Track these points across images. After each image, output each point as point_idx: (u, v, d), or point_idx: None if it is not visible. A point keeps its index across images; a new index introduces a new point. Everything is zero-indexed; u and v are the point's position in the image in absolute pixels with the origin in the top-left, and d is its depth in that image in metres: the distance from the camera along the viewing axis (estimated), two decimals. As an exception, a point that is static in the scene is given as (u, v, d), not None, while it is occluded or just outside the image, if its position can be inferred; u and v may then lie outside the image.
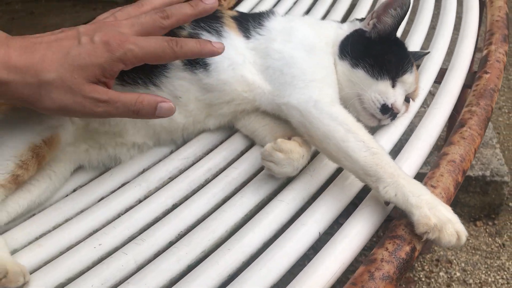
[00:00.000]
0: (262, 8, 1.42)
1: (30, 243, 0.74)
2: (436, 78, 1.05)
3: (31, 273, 0.68)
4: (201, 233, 0.72)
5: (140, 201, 0.80)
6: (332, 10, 1.37)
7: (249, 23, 0.92)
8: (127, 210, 0.79)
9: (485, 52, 1.08)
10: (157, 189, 0.82)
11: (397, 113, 0.86)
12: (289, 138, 0.80)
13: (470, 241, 1.76)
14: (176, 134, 0.91)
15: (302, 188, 0.78)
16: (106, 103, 0.69)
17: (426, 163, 0.86)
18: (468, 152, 0.80)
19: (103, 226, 0.76)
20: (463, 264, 1.69)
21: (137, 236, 0.73)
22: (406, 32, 1.24)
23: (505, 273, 1.66)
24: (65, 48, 0.67)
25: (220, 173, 0.84)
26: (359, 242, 0.68)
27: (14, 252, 0.71)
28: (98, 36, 0.68)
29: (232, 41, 0.88)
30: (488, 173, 1.76)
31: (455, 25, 1.23)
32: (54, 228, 0.76)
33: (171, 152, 0.91)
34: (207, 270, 0.66)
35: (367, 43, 0.89)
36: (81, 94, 0.68)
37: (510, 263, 1.68)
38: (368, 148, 0.71)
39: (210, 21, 0.90)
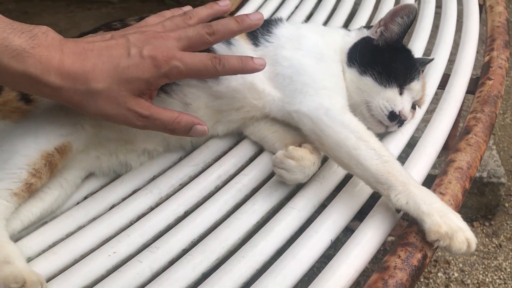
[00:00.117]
0: (263, 13, 1.43)
1: (44, 251, 0.74)
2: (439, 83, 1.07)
3: (47, 282, 0.68)
4: (215, 240, 0.73)
5: (152, 208, 0.81)
6: (333, 16, 1.38)
7: (257, 30, 0.92)
8: (139, 217, 0.79)
9: (487, 58, 1.10)
10: (168, 196, 0.83)
11: (405, 120, 0.87)
12: (299, 145, 0.81)
13: (468, 241, 1.78)
14: (185, 140, 0.92)
15: (312, 195, 0.79)
16: (147, 118, 0.73)
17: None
18: (474, 159, 0.82)
19: (117, 233, 0.76)
20: (460, 265, 1.71)
21: (151, 243, 0.74)
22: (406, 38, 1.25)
23: (502, 273, 1.68)
24: (115, 58, 0.71)
25: (230, 180, 0.85)
26: (371, 249, 0.69)
27: (28, 260, 0.72)
28: (147, 50, 0.71)
29: (241, 48, 0.89)
30: (485, 174, 1.79)
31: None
32: (67, 236, 0.77)
33: (180, 159, 0.91)
34: (222, 278, 0.66)
35: (375, 50, 0.90)
36: (126, 107, 0.72)
37: (507, 264, 1.71)
38: (379, 156, 0.73)
39: None
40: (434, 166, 0.88)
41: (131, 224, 0.78)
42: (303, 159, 0.78)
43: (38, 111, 0.81)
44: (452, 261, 1.72)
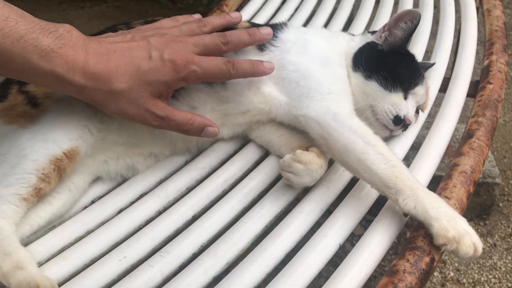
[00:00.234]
0: (262, 16, 1.44)
1: (53, 256, 0.75)
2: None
3: (58, 287, 0.68)
4: (224, 245, 0.73)
5: (160, 213, 0.81)
6: (332, 19, 1.39)
7: None
8: (147, 221, 0.80)
9: (486, 62, 1.11)
10: (176, 200, 0.83)
11: (409, 124, 0.88)
12: (306, 149, 0.82)
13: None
14: (191, 143, 0.92)
15: (319, 199, 0.80)
16: (162, 119, 0.78)
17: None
18: (477, 163, 0.83)
19: (126, 238, 0.77)
20: (456, 264, 1.73)
21: (161, 248, 0.74)
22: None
23: (497, 272, 1.71)
24: (137, 60, 0.74)
25: (237, 184, 0.85)
26: (380, 253, 0.70)
27: (39, 265, 0.72)
28: (167, 54, 0.75)
29: (247, 52, 0.90)
30: (480, 175, 1.81)
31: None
32: (76, 240, 0.77)
33: (186, 162, 0.92)
34: (234, 282, 0.67)
35: (380, 55, 0.91)
36: (144, 107, 0.76)
37: (501, 263, 1.73)
38: (387, 160, 0.74)
39: None
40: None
41: (140, 228, 0.79)
42: (310, 163, 0.79)
43: (45, 115, 0.81)
44: (448, 261, 1.75)
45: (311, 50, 0.90)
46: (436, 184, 0.84)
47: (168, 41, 0.77)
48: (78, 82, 0.71)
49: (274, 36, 0.92)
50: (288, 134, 0.90)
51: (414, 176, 0.75)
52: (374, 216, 0.77)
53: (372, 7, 1.47)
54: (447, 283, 1.68)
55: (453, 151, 0.93)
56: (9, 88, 0.85)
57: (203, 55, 0.79)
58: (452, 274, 1.71)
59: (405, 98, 0.88)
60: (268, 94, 0.87)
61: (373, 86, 0.87)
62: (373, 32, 0.97)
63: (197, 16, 0.91)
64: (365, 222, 0.79)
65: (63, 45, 0.69)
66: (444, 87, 1.08)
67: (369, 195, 0.80)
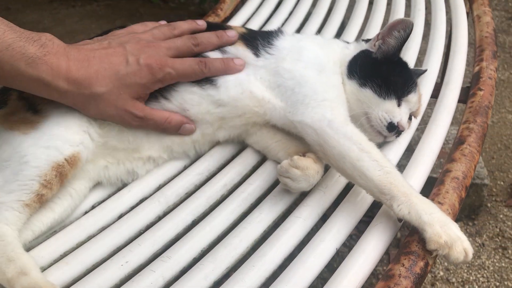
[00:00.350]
0: (256, 20, 1.45)
1: (56, 261, 0.76)
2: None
3: (62, 292, 0.70)
4: (224, 250, 0.75)
5: (160, 218, 0.83)
6: (326, 24, 1.41)
7: (258, 41, 0.95)
8: (148, 226, 0.81)
9: (476, 68, 1.14)
10: (176, 205, 0.85)
11: (403, 131, 0.90)
12: (303, 154, 0.84)
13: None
14: (186, 146, 0.94)
15: (316, 204, 0.82)
16: (141, 119, 0.84)
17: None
18: (469, 169, 0.86)
19: (127, 243, 0.78)
20: (446, 264, 1.77)
21: (162, 253, 0.76)
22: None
23: (485, 271, 1.74)
24: (115, 65, 0.81)
25: (235, 189, 0.87)
26: (375, 258, 0.73)
27: (41, 270, 0.73)
28: (143, 59, 0.82)
29: (238, 56, 0.92)
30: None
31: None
32: (78, 245, 0.78)
33: (185, 167, 0.93)
34: (234, 287, 0.69)
35: (374, 63, 0.93)
36: (124, 108, 0.83)
37: (489, 262, 1.77)
38: (381, 167, 0.76)
39: None
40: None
41: (140, 233, 0.80)
42: (307, 169, 0.81)
43: (46, 121, 0.82)
44: (438, 260, 1.78)
45: (306, 57, 0.92)
46: (428, 185, 0.87)
47: (143, 47, 0.84)
48: (62, 87, 0.77)
49: (270, 43, 0.94)
50: (285, 139, 0.92)
51: (408, 181, 0.77)
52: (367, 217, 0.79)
53: (365, 12, 1.49)
54: (437, 283, 1.71)
55: (445, 153, 0.95)
56: (9, 94, 0.86)
57: (176, 57, 0.86)
58: (441, 273, 1.74)
59: (399, 105, 0.91)
60: (262, 97, 0.89)
61: (368, 94, 0.90)
62: (367, 40, 0.99)
63: (163, 22, 0.97)
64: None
65: (47, 53, 0.75)
66: (435, 92, 1.11)
67: (364, 200, 0.82)
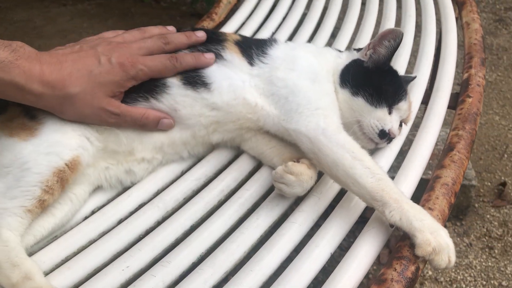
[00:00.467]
0: (250, 25, 1.48)
1: (57, 266, 0.78)
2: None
3: (64, 296, 0.72)
4: (222, 254, 0.77)
5: (159, 223, 0.85)
6: (318, 31, 1.43)
7: (252, 50, 0.97)
8: (147, 231, 0.83)
9: (465, 75, 1.17)
10: (174, 210, 0.87)
11: (394, 138, 0.93)
12: (297, 160, 0.87)
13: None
14: (177, 148, 0.95)
15: (311, 210, 0.84)
16: (118, 115, 0.86)
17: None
18: (458, 175, 0.89)
19: (127, 248, 0.80)
20: (434, 263, 1.81)
21: (162, 257, 0.78)
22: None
23: (473, 271, 1.78)
24: (88, 66, 0.83)
25: (232, 194, 0.89)
26: (368, 262, 0.75)
27: (44, 275, 0.74)
28: (115, 58, 0.84)
29: (237, 67, 0.94)
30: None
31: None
32: (79, 250, 0.80)
33: (182, 173, 0.95)
34: (233, 291, 0.71)
35: (365, 73, 0.96)
36: (99, 107, 0.84)
37: (476, 262, 1.81)
38: (374, 174, 0.78)
39: (213, 44, 0.96)
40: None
41: (140, 238, 0.82)
42: (302, 174, 0.83)
43: (44, 127, 0.84)
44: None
45: (300, 66, 0.95)
46: (418, 186, 0.90)
47: (114, 47, 0.86)
48: (37, 90, 0.78)
49: (264, 52, 0.97)
50: (280, 145, 0.94)
51: (399, 187, 0.80)
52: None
53: (357, 17, 1.52)
54: (426, 282, 1.75)
55: (434, 154, 0.98)
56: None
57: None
58: (430, 273, 1.78)
59: (390, 113, 0.94)
60: (255, 105, 0.91)
61: (360, 102, 0.92)
62: (359, 50, 1.02)
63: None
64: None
65: (19, 57, 0.77)
66: (425, 98, 1.14)
67: (357, 206, 0.85)
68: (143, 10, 3.49)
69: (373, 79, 0.94)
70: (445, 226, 1.86)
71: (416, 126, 1.06)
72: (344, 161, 0.80)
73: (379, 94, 0.92)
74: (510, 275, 1.76)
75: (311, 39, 1.41)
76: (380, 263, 1.58)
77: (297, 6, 1.59)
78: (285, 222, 0.82)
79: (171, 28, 0.99)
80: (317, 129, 0.84)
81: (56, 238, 0.83)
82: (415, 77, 1.13)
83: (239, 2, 1.64)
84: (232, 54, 0.95)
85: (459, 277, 1.77)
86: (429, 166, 1.47)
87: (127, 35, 0.93)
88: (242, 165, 0.96)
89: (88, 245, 0.81)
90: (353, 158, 0.80)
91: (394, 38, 0.95)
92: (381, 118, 0.92)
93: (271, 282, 0.73)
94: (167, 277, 0.74)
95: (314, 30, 1.45)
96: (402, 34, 0.95)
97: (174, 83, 0.90)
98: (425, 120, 1.04)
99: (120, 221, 0.86)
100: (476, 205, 2.02)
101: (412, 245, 0.74)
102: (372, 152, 0.96)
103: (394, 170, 0.94)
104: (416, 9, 1.50)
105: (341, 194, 0.89)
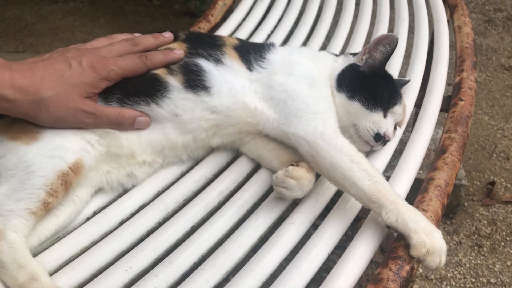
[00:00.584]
0: (246, 27, 1.49)
1: (61, 266, 0.79)
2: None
3: (69, 296, 0.74)
4: (223, 255, 0.79)
5: (160, 224, 0.87)
6: (313, 34, 1.46)
7: (250, 55, 0.98)
8: (149, 232, 0.85)
9: (457, 78, 1.20)
10: (175, 211, 0.89)
11: (388, 140, 0.96)
12: (296, 164, 0.89)
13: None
14: (178, 151, 0.97)
15: (309, 211, 0.87)
16: (94, 115, 0.87)
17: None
18: (451, 177, 0.91)
19: (130, 249, 0.82)
20: (425, 261, 1.84)
21: (164, 258, 0.80)
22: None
23: (462, 268, 1.82)
24: (59, 70, 0.84)
25: (232, 196, 0.92)
26: (364, 262, 0.78)
27: (48, 275, 0.76)
28: (85, 61, 0.86)
29: (235, 72, 0.96)
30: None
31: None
32: (83, 251, 0.82)
33: (182, 175, 0.97)
34: (235, 290, 0.74)
35: (361, 77, 0.98)
36: (74, 107, 0.85)
37: (466, 260, 1.85)
38: (371, 177, 0.81)
39: (213, 49, 0.97)
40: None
41: (142, 239, 0.84)
42: (302, 178, 0.86)
43: (44, 132, 0.85)
44: (417, 258, 1.85)
45: (298, 71, 0.97)
46: (412, 185, 0.93)
47: (83, 52, 0.89)
48: (9, 96, 0.79)
49: (262, 57, 0.99)
50: (278, 148, 0.97)
51: (394, 189, 0.83)
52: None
53: (351, 21, 1.54)
54: (416, 279, 1.79)
55: (426, 154, 1.01)
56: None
57: None
58: (420, 270, 1.82)
59: (385, 116, 0.96)
60: (255, 109, 0.93)
61: (356, 106, 0.95)
62: (354, 54, 1.04)
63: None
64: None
65: None
66: (418, 101, 1.17)
67: (354, 207, 0.88)
68: (136, 8, 3.49)
69: (368, 84, 0.97)
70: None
71: (408, 127, 1.09)
72: (342, 164, 0.83)
73: (375, 98, 0.95)
74: (498, 273, 1.80)
75: (306, 41, 1.43)
76: (372, 261, 1.60)
77: (292, 8, 1.61)
78: (284, 223, 0.85)
79: (137, 34, 1.01)
80: (315, 133, 0.86)
81: (59, 239, 0.84)
82: (409, 81, 1.16)
83: (234, 3, 1.66)
84: (232, 60, 0.97)
85: (449, 274, 1.80)
86: (421, 166, 1.50)
87: (95, 42, 0.96)
88: (241, 167, 0.98)
89: (91, 246, 0.83)
90: (351, 161, 0.82)
91: (389, 44, 0.97)
92: (377, 121, 0.94)
93: (271, 282, 0.75)
94: (169, 277, 0.76)
95: (309, 33, 1.47)
96: (397, 40, 0.98)
97: (175, 86, 0.92)
98: (418, 122, 1.07)
99: (122, 222, 0.87)
100: (466, 204, 2.05)
101: (407, 246, 0.77)
102: (367, 154, 0.98)
103: (386, 170, 0.97)
104: (408, 11, 1.54)
105: (337, 195, 0.91)
